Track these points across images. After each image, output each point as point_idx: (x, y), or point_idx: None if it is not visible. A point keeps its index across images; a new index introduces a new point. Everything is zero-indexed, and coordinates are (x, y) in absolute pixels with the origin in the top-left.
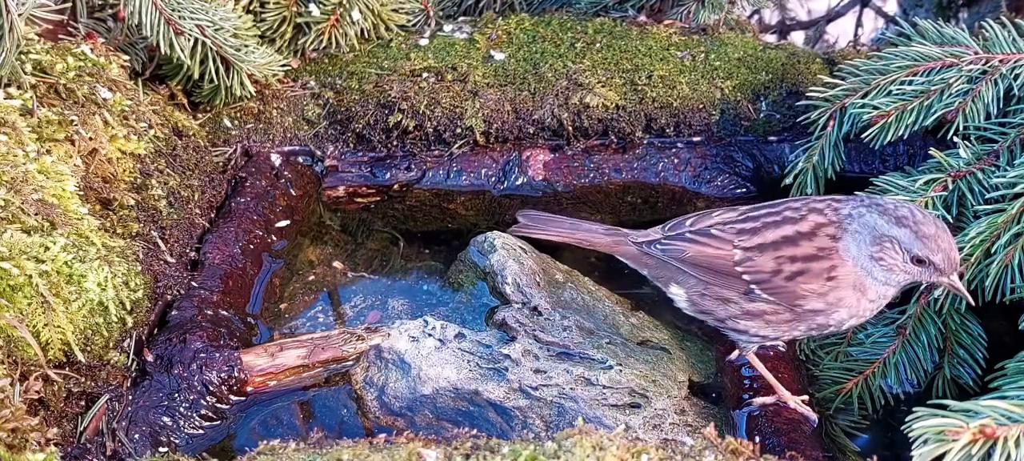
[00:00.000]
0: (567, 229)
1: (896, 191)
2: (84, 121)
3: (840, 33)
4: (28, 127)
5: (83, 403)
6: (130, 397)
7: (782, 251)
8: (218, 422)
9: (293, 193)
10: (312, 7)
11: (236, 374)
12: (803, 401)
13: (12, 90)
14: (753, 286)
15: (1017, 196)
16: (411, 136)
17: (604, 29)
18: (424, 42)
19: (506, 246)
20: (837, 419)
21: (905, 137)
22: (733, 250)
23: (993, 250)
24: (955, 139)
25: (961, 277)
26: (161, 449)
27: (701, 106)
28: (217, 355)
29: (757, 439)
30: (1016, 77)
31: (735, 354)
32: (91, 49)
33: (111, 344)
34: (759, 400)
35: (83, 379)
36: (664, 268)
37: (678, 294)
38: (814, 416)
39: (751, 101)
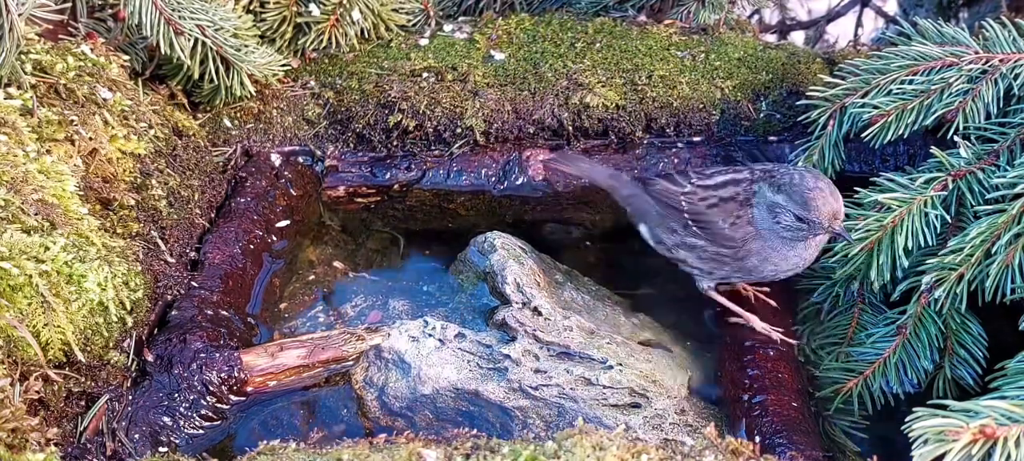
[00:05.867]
0: (583, 167)
1: (896, 190)
2: (84, 121)
3: (840, 33)
4: (28, 127)
5: (83, 403)
6: (130, 397)
7: (715, 192)
8: (218, 422)
9: (293, 193)
10: (312, 7)
11: (236, 374)
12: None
13: (12, 90)
14: (687, 216)
15: (1017, 196)
16: (411, 136)
17: (604, 29)
18: (424, 42)
19: (506, 246)
20: (837, 419)
21: (905, 136)
22: (685, 184)
23: (993, 250)
24: (955, 139)
25: (961, 278)
26: (161, 449)
27: (701, 106)
28: (217, 355)
29: (757, 439)
30: (1016, 77)
31: (704, 285)
32: (91, 49)
33: (111, 344)
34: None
35: (83, 379)
36: (640, 203)
37: (644, 229)
38: (786, 339)
39: (751, 101)
